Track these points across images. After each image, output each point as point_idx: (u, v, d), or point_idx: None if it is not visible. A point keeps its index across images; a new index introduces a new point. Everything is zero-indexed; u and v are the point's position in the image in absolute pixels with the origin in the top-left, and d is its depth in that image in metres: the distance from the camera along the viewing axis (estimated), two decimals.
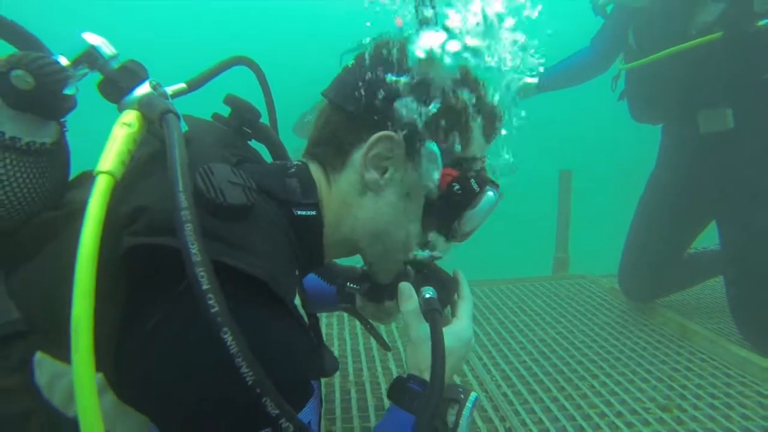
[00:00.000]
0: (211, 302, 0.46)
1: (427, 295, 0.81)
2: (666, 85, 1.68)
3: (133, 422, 0.57)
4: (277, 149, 0.87)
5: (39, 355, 0.56)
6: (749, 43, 1.43)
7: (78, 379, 0.47)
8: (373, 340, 1.69)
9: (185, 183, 0.52)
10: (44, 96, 0.60)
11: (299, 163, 0.79)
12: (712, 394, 1.35)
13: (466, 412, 0.75)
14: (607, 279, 2.41)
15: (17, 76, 0.58)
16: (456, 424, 0.75)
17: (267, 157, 0.86)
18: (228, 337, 0.45)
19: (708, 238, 2.00)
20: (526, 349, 1.67)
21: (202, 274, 0.46)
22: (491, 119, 0.78)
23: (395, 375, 1.46)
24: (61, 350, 0.55)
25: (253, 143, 0.85)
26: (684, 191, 1.83)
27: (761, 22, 1.38)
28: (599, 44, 2.06)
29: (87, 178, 0.72)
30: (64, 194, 0.68)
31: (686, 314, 1.92)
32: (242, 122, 0.81)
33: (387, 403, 1.30)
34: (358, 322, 1.84)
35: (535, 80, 2.07)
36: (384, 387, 1.39)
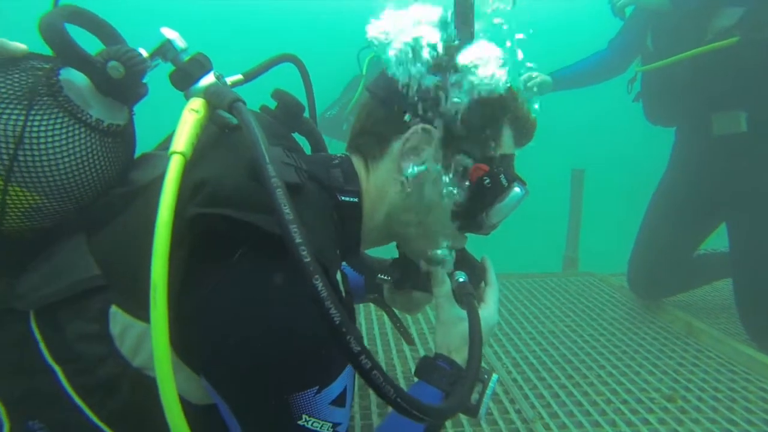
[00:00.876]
0: (304, 253, 0.50)
1: (461, 279, 0.86)
2: (681, 88, 1.70)
3: (187, 375, 0.63)
4: (317, 142, 0.92)
5: (114, 308, 0.63)
6: (765, 49, 1.44)
7: (155, 331, 0.53)
8: (388, 325, 1.75)
9: (270, 155, 0.56)
10: (129, 84, 0.67)
11: (342, 155, 0.83)
12: (716, 388, 1.38)
13: (489, 391, 0.80)
14: (615, 277, 2.43)
15: (113, 67, 0.66)
16: (479, 402, 0.79)
17: (307, 149, 0.91)
18: (318, 283, 0.49)
19: (717, 240, 2.02)
20: (536, 339, 1.71)
21: (294, 229, 0.51)
22: (524, 125, 0.83)
23: (409, 358, 1.51)
24: (133, 305, 0.62)
25: (296, 136, 0.89)
26: (695, 193, 1.85)
27: None
28: (617, 46, 2.08)
29: (146, 160, 0.78)
30: (128, 173, 0.75)
31: (693, 313, 1.94)
32: (288, 115, 0.86)
33: (404, 383, 1.35)
34: (372, 307, 1.90)
35: (550, 78, 2.10)
36: (399, 369, 1.44)
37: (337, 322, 0.49)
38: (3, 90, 0.63)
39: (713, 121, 1.68)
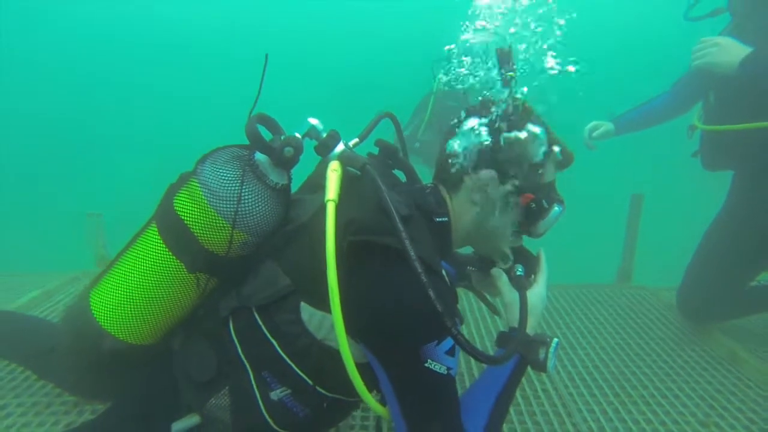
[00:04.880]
0: (422, 275, 0.80)
1: (518, 272, 1.10)
2: (740, 153, 1.72)
3: (351, 342, 0.88)
4: (410, 174, 1.19)
5: (303, 304, 0.92)
6: None
7: (335, 317, 0.82)
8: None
9: (397, 212, 0.85)
10: (294, 159, 0.96)
11: (432, 185, 1.08)
12: (750, 419, 1.52)
13: (551, 349, 1.02)
14: (666, 292, 2.49)
15: (288, 150, 0.95)
16: (545, 358, 1.01)
17: (402, 178, 1.19)
18: (431, 291, 0.79)
19: None
20: (589, 355, 1.91)
21: (416, 263, 0.80)
22: (563, 159, 1.05)
23: (474, 332, 1.84)
24: (315, 300, 0.90)
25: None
26: (749, 234, 1.88)
27: None
28: (680, 91, 2.08)
29: (298, 202, 1.07)
30: (289, 213, 1.03)
31: (739, 339, 2.00)
32: (388, 157, 1.15)
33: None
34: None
35: (612, 125, 2.17)
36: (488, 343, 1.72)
37: (440, 311, 0.78)
38: (229, 172, 0.93)
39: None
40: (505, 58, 1.05)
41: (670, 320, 2.23)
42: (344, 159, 0.98)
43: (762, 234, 1.84)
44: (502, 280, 1.09)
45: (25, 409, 1.45)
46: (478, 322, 2.13)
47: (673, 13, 1.98)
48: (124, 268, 0.98)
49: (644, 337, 2.07)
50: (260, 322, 0.96)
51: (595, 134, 2.15)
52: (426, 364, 0.84)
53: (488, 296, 1.31)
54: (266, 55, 1.02)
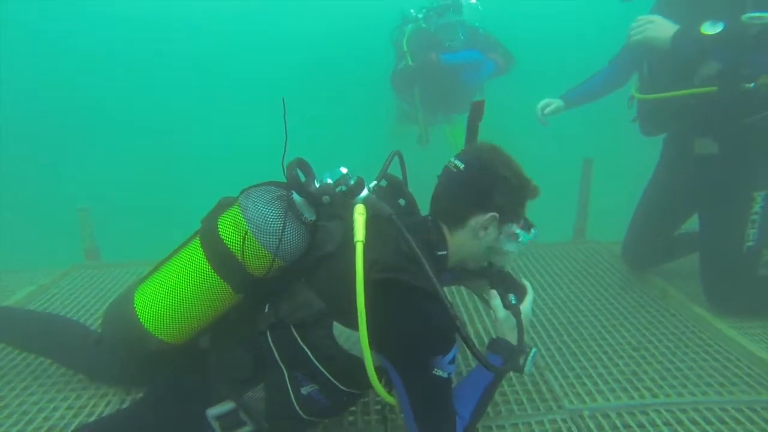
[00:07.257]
0: (449, 305, 1.06)
1: (513, 302, 1.36)
2: (671, 116, 2.07)
3: (373, 353, 1.09)
4: (410, 203, 1.43)
5: (334, 322, 1.14)
6: (736, 98, 1.80)
7: (362, 335, 1.04)
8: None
9: (423, 255, 1.09)
10: (326, 202, 1.15)
11: (432, 220, 1.29)
12: (669, 338, 1.94)
13: (530, 358, 1.30)
14: (616, 245, 2.85)
15: (326, 198, 1.15)
16: (524, 364, 1.29)
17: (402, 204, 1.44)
18: (458, 322, 1.06)
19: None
20: (548, 305, 2.29)
21: (442, 296, 1.06)
22: (534, 195, 1.32)
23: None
24: (343, 320, 1.13)
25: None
26: (677, 191, 2.27)
27: (747, 85, 1.76)
28: (618, 65, 2.40)
29: (322, 228, 1.23)
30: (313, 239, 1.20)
31: (669, 280, 2.42)
32: (394, 190, 1.39)
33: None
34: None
35: (562, 101, 2.49)
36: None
37: (459, 324, 1.07)
38: (271, 211, 1.12)
39: (695, 143, 2.08)
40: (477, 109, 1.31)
41: (617, 269, 2.64)
42: (371, 206, 1.17)
43: (683, 188, 2.24)
44: (495, 303, 1.34)
45: (47, 387, 1.69)
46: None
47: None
48: (170, 282, 1.16)
49: (595, 284, 2.48)
50: (296, 336, 1.17)
51: (547, 111, 2.46)
52: (433, 372, 1.11)
53: (474, 290, 1.62)
54: (283, 99, 1.12)
